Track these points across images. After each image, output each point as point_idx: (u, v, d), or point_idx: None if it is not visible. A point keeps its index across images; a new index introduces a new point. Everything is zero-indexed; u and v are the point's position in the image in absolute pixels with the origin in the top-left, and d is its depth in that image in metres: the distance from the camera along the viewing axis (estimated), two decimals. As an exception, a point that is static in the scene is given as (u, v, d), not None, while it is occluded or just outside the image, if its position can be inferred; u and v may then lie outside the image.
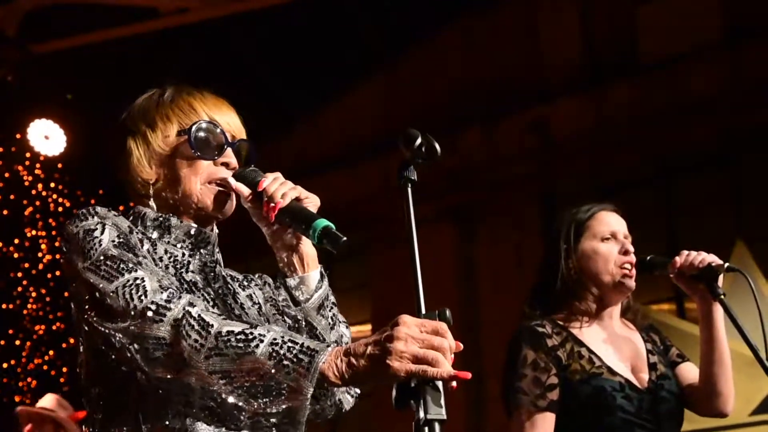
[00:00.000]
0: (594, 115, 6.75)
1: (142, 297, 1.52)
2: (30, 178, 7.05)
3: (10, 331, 6.86)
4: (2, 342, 6.80)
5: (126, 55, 6.41)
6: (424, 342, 1.39)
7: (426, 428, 1.35)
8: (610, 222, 2.71)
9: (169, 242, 1.75)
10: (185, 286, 1.69)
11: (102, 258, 1.59)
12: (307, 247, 1.77)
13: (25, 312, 6.96)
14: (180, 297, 1.52)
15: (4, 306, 6.86)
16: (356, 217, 6.94)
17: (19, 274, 6.97)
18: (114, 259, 1.58)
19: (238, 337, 1.45)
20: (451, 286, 7.00)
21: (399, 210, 1.63)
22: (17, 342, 6.89)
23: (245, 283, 1.88)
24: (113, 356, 1.57)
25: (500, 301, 6.88)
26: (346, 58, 7.46)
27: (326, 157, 7.62)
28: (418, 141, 1.65)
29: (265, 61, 7.11)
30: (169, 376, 1.50)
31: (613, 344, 2.64)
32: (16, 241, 6.99)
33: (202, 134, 1.77)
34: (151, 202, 1.77)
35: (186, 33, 6.36)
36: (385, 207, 6.90)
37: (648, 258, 2.65)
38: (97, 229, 1.64)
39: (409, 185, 1.64)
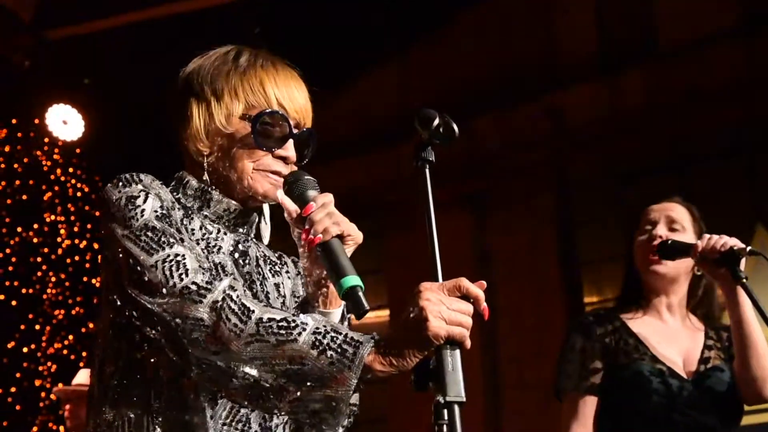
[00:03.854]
0: (608, 102, 6.72)
1: (183, 275, 1.48)
2: (48, 164, 7.08)
3: (30, 316, 6.89)
4: (22, 327, 6.84)
5: (142, 40, 6.43)
6: (452, 304, 1.40)
7: (445, 410, 1.34)
8: (649, 214, 2.76)
9: (206, 216, 1.71)
10: (212, 266, 1.64)
11: (143, 228, 1.54)
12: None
13: (44, 297, 6.99)
14: (221, 279, 1.49)
15: (23, 291, 6.89)
16: (371, 203, 6.96)
17: (39, 259, 6.99)
18: (155, 231, 1.54)
19: (280, 324, 1.42)
20: (465, 273, 6.91)
21: (413, 195, 1.61)
22: (37, 327, 6.92)
23: (277, 269, 1.83)
24: (143, 335, 1.53)
25: (515, 288, 6.89)
26: (359, 45, 7.43)
27: (340, 144, 7.61)
28: (436, 121, 1.60)
29: (278, 47, 7.09)
30: (208, 357, 1.45)
31: (666, 336, 2.68)
32: (36, 226, 7.01)
33: (266, 125, 1.70)
34: (205, 176, 1.72)
35: (201, 18, 6.36)
36: (399, 193, 6.90)
37: (669, 242, 2.64)
38: (140, 197, 1.59)
39: (427, 166, 1.60)
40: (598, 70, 6.90)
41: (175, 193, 1.71)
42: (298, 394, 1.41)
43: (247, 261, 1.73)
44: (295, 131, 1.73)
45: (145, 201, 1.58)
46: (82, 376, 4.68)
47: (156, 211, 1.58)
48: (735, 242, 2.52)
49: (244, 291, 1.50)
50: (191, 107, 1.73)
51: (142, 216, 1.56)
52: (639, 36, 6.79)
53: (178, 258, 1.51)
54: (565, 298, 7.01)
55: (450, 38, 7.59)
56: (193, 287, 1.47)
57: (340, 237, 1.58)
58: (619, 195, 6.87)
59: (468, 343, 1.39)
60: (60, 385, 4.98)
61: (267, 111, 1.70)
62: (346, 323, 1.70)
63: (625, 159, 6.75)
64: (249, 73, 1.74)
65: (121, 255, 1.54)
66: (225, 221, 1.73)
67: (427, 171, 1.59)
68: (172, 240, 1.53)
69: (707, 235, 2.55)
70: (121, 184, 1.61)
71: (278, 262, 1.85)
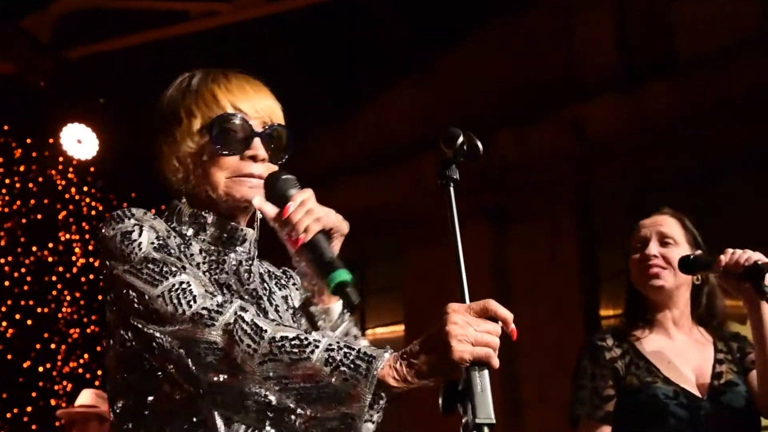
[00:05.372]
0: (630, 115, 6.65)
1: (191, 302, 1.48)
2: (63, 182, 7.12)
3: (46, 335, 6.93)
4: (38, 345, 6.87)
5: (157, 59, 6.43)
6: (479, 325, 1.37)
7: (474, 432, 1.30)
8: (640, 231, 2.74)
9: (204, 240, 1.71)
10: (217, 287, 1.64)
11: (143, 261, 1.55)
12: None
13: (59, 315, 7.03)
14: (231, 302, 1.48)
15: (39, 310, 6.93)
16: (390, 219, 6.91)
17: (54, 278, 7.04)
18: (156, 263, 1.54)
19: (293, 342, 1.42)
20: (485, 287, 6.92)
21: (432, 211, 1.58)
22: (53, 345, 6.95)
23: (283, 282, 1.84)
24: (152, 364, 1.52)
25: (535, 303, 6.82)
26: (380, 59, 7.44)
27: (360, 159, 7.60)
28: (460, 139, 1.60)
29: (297, 63, 7.11)
30: (222, 381, 1.45)
31: (675, 354, 2.63)
32: (51, 244, 7.06)
33: (224, 130, 1.70)
34: (183, 200, 1.73)
35: (216, 36, 6.37)
36: (418, 208, 6.85)
37: (691, 257, 2.58)
38: (134, 231, 1.59)
39: (452, 185, 1.59)
40: (620, 83, 6.84)
41: (170, 223, 1.72)
42: (314, 412, 1.40)
43: (251, 278, 1.74)
44: (259, 130, 1.72)
45: (140, 234, 1.59)
46: (86, 397, 4.62)
47: (153, 243, 1.59)
48: (759, 257, 2.46)
49: (256, 312, 1.49)
50: (159, 140, 1.75)
51: (140, 249, 1.57)
52: (661, 47, 6.73)
53: (184, 285, 1.51)
54: (584, 313, 6.94)
55: (470, 52, 7.57)
56: (204, 312, 1.47)
57: (325, 232, 1.60)
58: (642, 209, 6.78)
59: (496, 363, 1.37)
60: (73, 405, 4.93)
61: (220, 115, 1.70)
62: (347, 316, 1.71)
63: (648, 172, 6.67)
64: (201, 90, 1.75)
65: (124, 291, 1.55)
66: (223, 241, 1.73)
67: (452, 190, 1.59)
68: (174, 269, 1.54)
69: (731, 250, 2.49)
70: (113, 221, 1.62)
71: (283, 276, 1.87)
